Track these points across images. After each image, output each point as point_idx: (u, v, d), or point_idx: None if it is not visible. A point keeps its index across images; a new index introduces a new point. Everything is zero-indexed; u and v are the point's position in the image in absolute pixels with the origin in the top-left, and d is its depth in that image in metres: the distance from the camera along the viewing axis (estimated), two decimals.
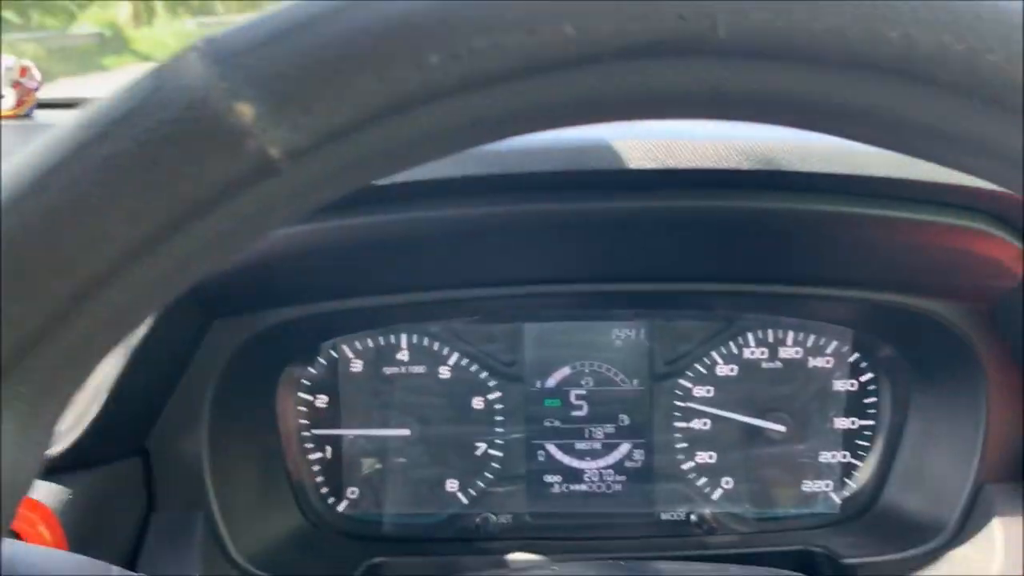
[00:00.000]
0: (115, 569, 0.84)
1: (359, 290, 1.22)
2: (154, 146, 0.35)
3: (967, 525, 1.25)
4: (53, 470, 1.06)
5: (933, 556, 1.23)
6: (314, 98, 0.36)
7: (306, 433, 1.42)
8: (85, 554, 0.83)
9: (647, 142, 0.94)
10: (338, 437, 1.43)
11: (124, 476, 1.17)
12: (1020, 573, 1.15)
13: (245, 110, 0.36)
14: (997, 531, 1.19)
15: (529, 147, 0.95)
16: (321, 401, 1.43)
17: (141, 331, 1.07)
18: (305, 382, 1.42)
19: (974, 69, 0.33)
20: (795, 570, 1.00)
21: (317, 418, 1.43)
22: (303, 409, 1.42)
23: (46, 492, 1.05)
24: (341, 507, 1.43)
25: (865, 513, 1.41)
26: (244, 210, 0.39)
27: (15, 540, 0.81)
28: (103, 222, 0.35)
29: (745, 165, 0.95)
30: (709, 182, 0.98)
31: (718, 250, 1.14)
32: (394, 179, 0.95)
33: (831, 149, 0.96)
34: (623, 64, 0.36)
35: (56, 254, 0.35)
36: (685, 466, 1.44)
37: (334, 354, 1.41)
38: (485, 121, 0.40)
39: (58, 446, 1.05)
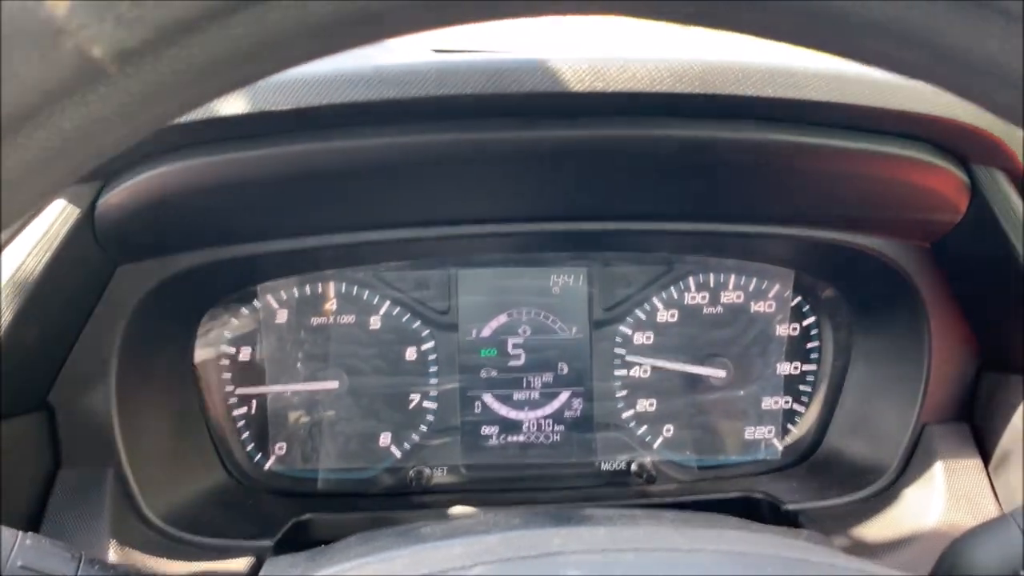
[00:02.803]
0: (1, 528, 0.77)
1: (278, 231, 1.14)
2: None
3: (909, 467, 1.23)
4: None
5: (875, 499, 1.21)
6: None
7: (229, 388, 1.35)
8: None
9: (575, 63, 0.87)
10: (263, 391, 1.36)
11: (26, 432, 1.09)
12: (961, 513, 1.13)
13: (58, 2, 0.30)
14: (939, 472, 1.17)
15: (452, 67, 0.88)
16: (244, 354, 1.35)
17: (34, 276, 0.98)
18: (226, 333, 1.34)
19: None
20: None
21: (240, 371, 1.35)
22: (225, 363, 1.34)
23: None
24: (268, 464, 1.37)
25: (807, 459, 1.39)
26: (72, 123, 0.33)
27: None
28: None
29: (679, 88, 0.89)
30: (640, 108, 0.92)
31: (654, 185, 1.08)
32: (303, 102, 0.88)
33: (770, 71, 0.90)
34: None
35: None
36: (625, 415, 1.40)
37: (256, 303, 1.34)
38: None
39: None
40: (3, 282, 0.98)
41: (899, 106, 0.93)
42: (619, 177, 1.06)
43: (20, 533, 0.77)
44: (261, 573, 0.92)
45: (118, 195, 0.98)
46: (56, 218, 0.99)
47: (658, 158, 0.99)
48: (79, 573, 0.77)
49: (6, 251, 1.01)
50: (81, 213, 0.99)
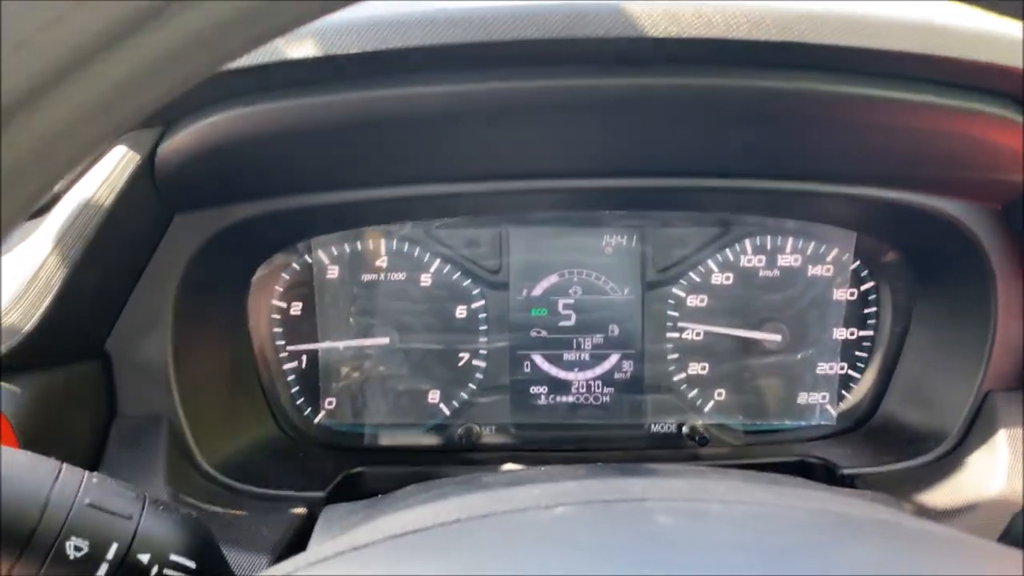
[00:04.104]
0: (66, 467, 0.77)
1: (333, 182, 1.13)
2: None
3: (970, 434, 1.20)
4: (4, 369, 0.99)
5: (934, 465, 1.19)
6: None
7: (280, 342, 1.35)
8: None
9: (650, 7, 0.84)
10: (314, 346, 1.36)
11: (83, 380, 1.10)
12: None
13: None
14: (1002, 439, 1.14)
15: (524, 11, 0.85)
16: (295, 309, 1.35)
17: (95, 223, 0.98)
18: (278, 288, 1.34)
19: None
20: None
21: (291, 326, 1.35)
22: (276, 317, 1.34)
23: None
24: (317, 418, 1.37)
25: (862, 425, 1.36)
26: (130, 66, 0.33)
27: None
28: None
29: (756, 35, 0.86)
30: (714, 55, 0.89)
31: (719, 138, 1.05)
32: (369, 46, 0.86)
33: (849, 20, 0.86)
34: None
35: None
36: (676, 377, 1.39)
37: (308, 259, 1.33)
38: None
39: (8, 342, 0.97)
40: (64, 228, 0.98)
41: (986, 58, 0.89)
42: (685, 129, 1.03)
43: (86, 472, 0.77)
44: (320, 519, 0.92)
45: (178, 141, 0.97)
46: (116, 164, 0.99)
47: (728, 108, 0.96)
48: (144, 513, 0.77)
49: (67, 197, 1.01)
50: (141, 159, 0.98)
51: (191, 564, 0.78)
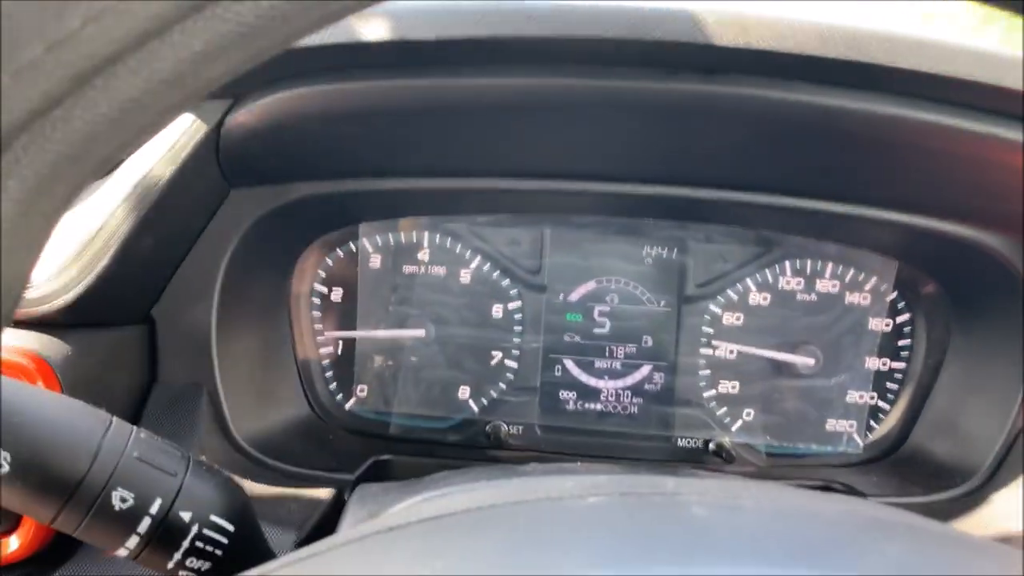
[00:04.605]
0: (116, 419, 0.79)
1: (385, 169, 1.15)
2: None
3: (999, 472, 1.19)
4: (54, 324, 1.01)
5: (961, 500, 1.18)
6: None
7: (318, 326, 1.37)
8: None
9: (721, 15, 0.86)
10: (351, 332, 1.37)
11: (128, 343, 1.12)
12: None
13: None
14: None
15: (595, 10, 0.87)
16: (336, 294, 1.37)
17: (158, 187, 1.00)
18: (321, 272, 1.36)
19: None
20: None
21: (329, 311, 1.37)
22: (316, 301, 1.36)
23: (46, 345, 0.99)
24: (348, 404, 1.38)
25: (890, 455, 1.36)
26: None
27: (14, 380, 0.76)
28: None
29: (825, 52, 0.87)
30: (779, 69, 0.90)
31: (772, 153, 1.06)
32: (444, 33, 0.88)
33: (919, 43, 0.87)
34: None
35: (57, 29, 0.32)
36: (707, 394, 1.39)
37: (353, 247, 1.35)
38: None
39: (59, 300, 0.99)
40: (126, 192, 1.00)
41: None
42: (735, 140, 1.04)
43: (135, 427, 0.78)
44: (354, 496, 0.93)
45: (245, 115, 0.99)
46: (183, 133, 1.01)
47: (783, 123, 0.97)
48: (189, 472, 0.78)
49: (131, 160, 1.03)
50: (208, 130, 1.00)
51: (230, 527, 0.79)
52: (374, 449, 1.28)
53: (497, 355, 1.39)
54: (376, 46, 0.89)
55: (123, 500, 0.74)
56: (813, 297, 1.36)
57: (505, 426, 1.37)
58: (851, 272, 1.35)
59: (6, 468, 0.69)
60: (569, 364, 1.40)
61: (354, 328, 1.37)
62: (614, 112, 0.99)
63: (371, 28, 0.89)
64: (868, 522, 0.61)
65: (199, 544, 0.77)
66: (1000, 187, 1.04)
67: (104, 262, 0.99)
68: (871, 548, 0.55)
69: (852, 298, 1.36)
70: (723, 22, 0.86)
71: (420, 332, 1.37)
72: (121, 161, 1.05)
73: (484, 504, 0.59)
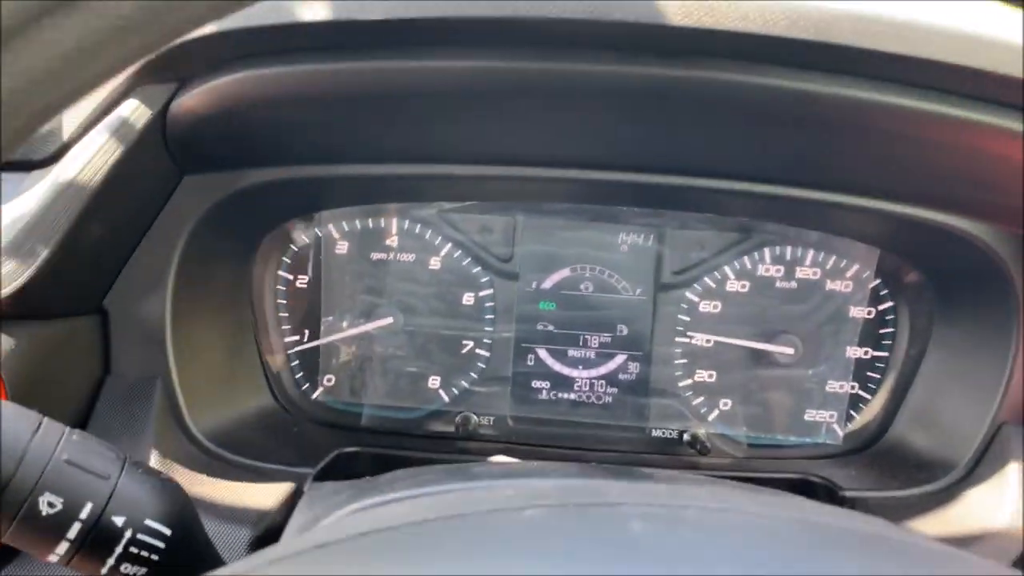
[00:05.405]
0: (47, 420, 0.76)
1: (346, 155, 1.11)
2: None
3: (980, 465, 1.16)
4: None
5: (942, 494, 1.15)
6: None
7: (283, 314, 1.33)
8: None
9: None
10: (317, 321, 1.34)
11: (80, 334, 1.08)
12: None
13: None
14: (1012, 473, 1.10)
15: None
16: (300, 282, 1.33)
17: (102, 175, 0.96)
18: (285, 259, 1.32)
19: None
20: None
21: (296, 299, 1.33)
22: (280, 288, 1.33)
23: None
24: (315, 394, 1.35)
25: (868, 448, 1.33)
26: None
27: None
28: None
29: (793, 33, 0.82)
30: (746, 52, 0.86)
31: (744, 139, 1.02)
32: (392, 13, 0.83)
33: (893, 25, 0.82)
34: None
35: None
36: (682, 383, 1.35)
37: (318, 232, 1.31)
38: None
39: (4, 289, 0.96)
40: (71, 178, 0.96)
41: None
42: (708, 126, 1.00)
43: (67, 428, 0.75)
44: (303, 497, 0.90)
45: (192, 99, 0.95)
46: (128, 117, 0.96)
47: (756, 108, 0.93)
48: (123, 474, 0.75)
49: (77, 147, 0.99)
50: (153, 115, 0.96)
51: (166, 531, 0.76)
52: (341, 441, 1.25)
53: (468, 344, 1.35)
54: (320, 26, 0.85)
55: (51, 505, 0.71)
56: (793, 284, 1.32)
57: (476, 417, 1.34)
58: (832, 259, 1.31)
59: None
60: (542, 353, 1.36)
61: (319, 316, 1.33)
62: (577, 96, 0.94)
63: (315, 9, 0.85)
64: (814, 530, 0.58)
65: (133, 549, 0.74)
66: (980, 174, 1.00)
67: (50, 250, 0.95)
68: (809, 557, 0.52)
69: (833, 285, 1.32)
70: (685, 3, 0.81)
71: (388, 320, 1.33)
72: (67, 148, 1.01)
73: (417, 519, 0.57)
